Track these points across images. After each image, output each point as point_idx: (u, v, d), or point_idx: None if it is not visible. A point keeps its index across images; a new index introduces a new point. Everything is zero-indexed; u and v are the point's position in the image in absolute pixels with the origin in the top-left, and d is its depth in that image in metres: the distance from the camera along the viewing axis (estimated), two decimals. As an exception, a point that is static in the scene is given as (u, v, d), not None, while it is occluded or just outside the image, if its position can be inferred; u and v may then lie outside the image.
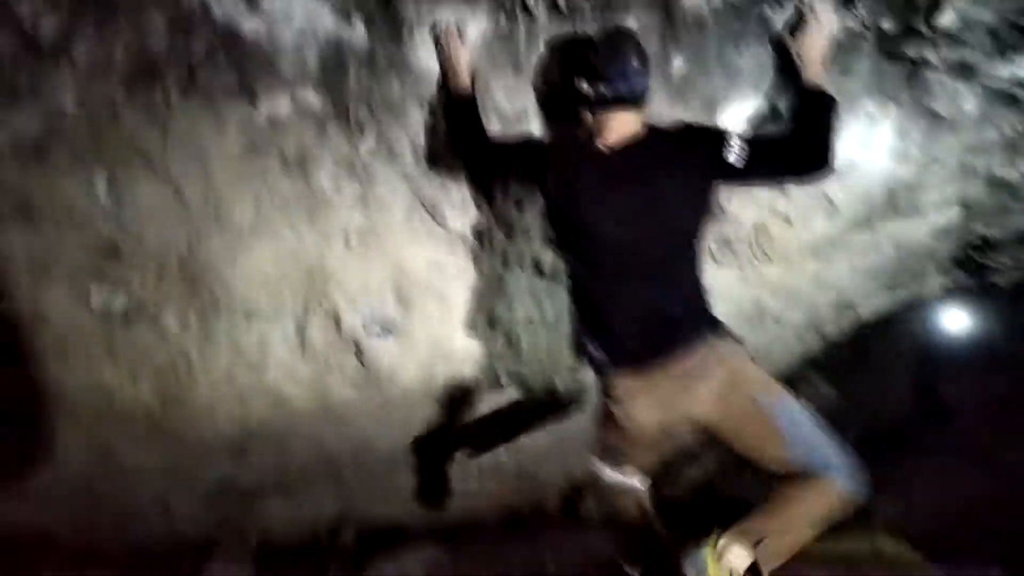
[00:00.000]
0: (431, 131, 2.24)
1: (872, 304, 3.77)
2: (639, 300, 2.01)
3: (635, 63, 1.84)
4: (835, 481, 1.94)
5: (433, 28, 1.99)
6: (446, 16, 1.98)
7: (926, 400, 6.58)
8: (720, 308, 3.16)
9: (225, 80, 2.08)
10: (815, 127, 1.86)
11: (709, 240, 2.48)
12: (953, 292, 3.87)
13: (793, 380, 5.71)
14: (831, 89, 1.88)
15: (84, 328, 2.82)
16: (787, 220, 2.32)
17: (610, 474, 2.34)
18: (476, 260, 2.81)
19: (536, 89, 2.10)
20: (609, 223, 1.95)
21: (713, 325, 2.08)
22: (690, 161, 1.89)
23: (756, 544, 1.89)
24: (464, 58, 2.01)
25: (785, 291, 3.10)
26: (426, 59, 2.07)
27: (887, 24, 1.90)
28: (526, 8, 1.93)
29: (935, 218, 2.55)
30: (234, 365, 3.05)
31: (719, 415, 2.06)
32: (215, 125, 2.21)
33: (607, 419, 2.24)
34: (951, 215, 2.59)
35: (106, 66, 1.96)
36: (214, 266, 2.60)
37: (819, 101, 1.86)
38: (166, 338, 2.91)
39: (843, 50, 1.96)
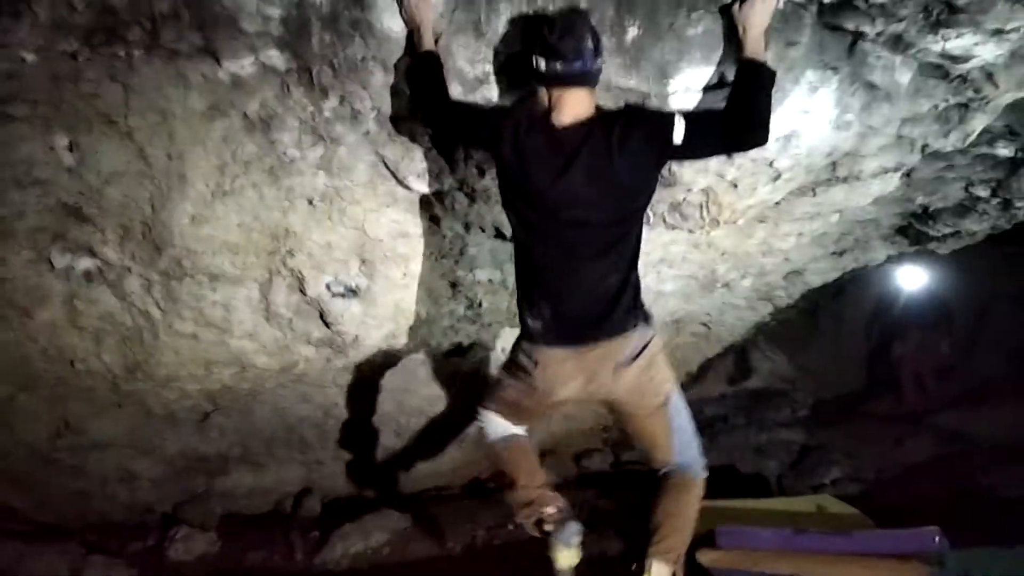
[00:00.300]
0: (394, 94, 2.28)
1: (820, 271, 3.92)
2: (584, 276, 2.11)
3: (589, 44, 1.93)
4: (698, 476, 2.37)
5: (396, -11, 2.02)
6: (410, -22, 2.01)
7: (877, 366, 6.82)
8: (673, 273, 3.30)
9: (188, 38, 2.08)
10: (751, 98, 1.98)
11: (661, 206, 2.58)
12: (898, 259, 4.05)
13: (745, 348, 5.90)
14: (768, 60, 1.98)
15: (46, 291, 2.82)
16: (734, 186, 2.43)
17: (499, 426, 2.47)
18: (438, 223, 2.86)
19: (495, 61, 2.16)
20: (559, 197, 2.05)
21: (646, 312, 2.23)
22: (637, 143, 1.99)
23: (676, 560, 2.27)
24: (427, 20, 2.05)
25: (735, 257, 3.22)
26: (389, 21, 2.09)
27: (827, -3, 2.01)
28: (487, -27, 1.98)
29: (876, 186, 2.68)
30: (198, 330, 3.06)
31: (632, 402, 2.28)
32: (178, 84, 2.22)
33: (515, 378, 2.34)
34: (891, 184, 2.72)
35: (68, 20, 1.96)
36: (178, 228, 2.60)
37: (756, 72, 1.96)
38: (130, 302, 2.91)
39: (787, 21, 2.04)
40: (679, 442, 2.35)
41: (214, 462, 4.29)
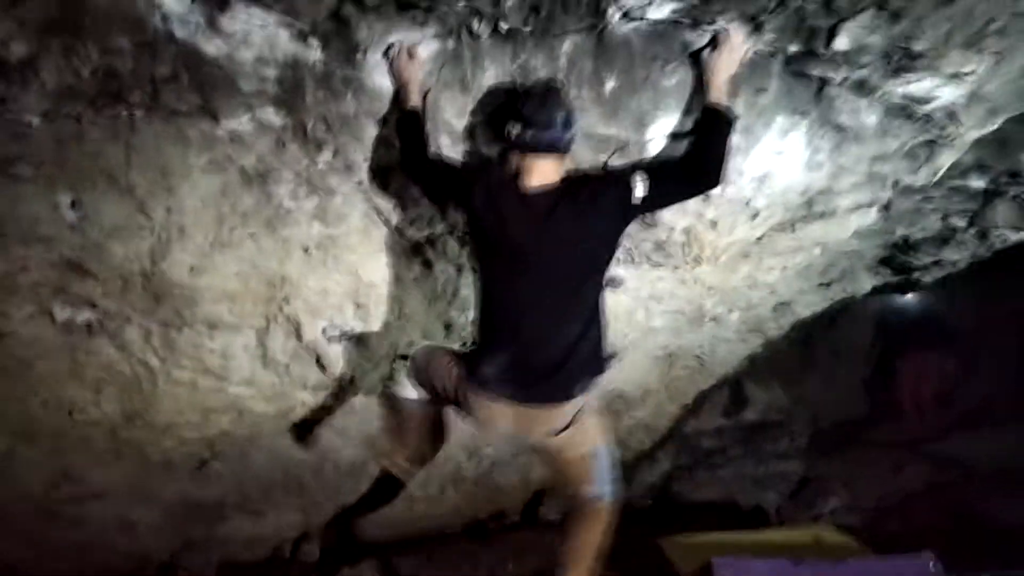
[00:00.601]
0: (385, 146, 2.37)
1: (808, 302, 3.99)
2: (544, 327, 2.20)
3: (560, 116, 2.05)
4: (610, 503, 2.53)
5: (387, 50, 2.13)
6: (398, 38, 2.10)
7: (875, 393, 6.81)
8: (662, 309, 3.37)
9: (188, 99, 2.18)
10: (709, 143, 2.11)
11: (645, 245, 2.67)
12: (886, 289, 4.13)
13: (740, 380, 5.94)
14: (730, 108, 2.09)
15: (48, 343, 2.86)
16: (713, 225, 2.52)
17: (415, 397, 2.66)
18: (431, 267, 2.93)
19: (480, 114, 2.26)
20: (527, 255, 2.14)
21: (596, 373, 2.32)
22: (603, 207, 2.10)
23: None
24: (415, 78, 2.15)
25: (721, 292, 3.29)
26: (379, 79, 2.19)
27: (793, 47, 2.11)
28: (471, 32, 2.08)
29: (854, 220, 2.78)
30: (197, 377, 3.11)
31: (557, 451, 2.46)
32: (178, 142, 2.30)
33: (453, 389, 2.44)
34: (869, 217, 2.82)
35: (73, 87, 2.05)
36: (177, 279, 2.67)
37: (716, 118, 2.08)
38: (129, 351, 2.96)
39: (755, 69, 2.16)
40: (596, 475, 2.50)
41: (212, 509, 4.29)
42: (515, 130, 2.07)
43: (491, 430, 2.42)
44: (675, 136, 2.25)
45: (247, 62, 2.11)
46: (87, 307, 2.78)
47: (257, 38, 2.06)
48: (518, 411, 2.30)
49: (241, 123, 2.28)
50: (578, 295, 2.20)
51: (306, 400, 3.39)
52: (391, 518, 4.70)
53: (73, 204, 2.41)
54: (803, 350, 6.68)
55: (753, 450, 5.90)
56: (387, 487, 2.85)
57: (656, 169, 2.17)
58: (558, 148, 2.10)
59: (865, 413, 6.84)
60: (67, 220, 2.43)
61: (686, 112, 2.19)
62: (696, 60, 2.11)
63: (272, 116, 2.28)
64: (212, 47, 2.05)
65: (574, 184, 2.14)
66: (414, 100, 2.17)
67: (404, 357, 2.68)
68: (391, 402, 2.78)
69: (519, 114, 2.05)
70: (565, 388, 2.27)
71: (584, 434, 2.44)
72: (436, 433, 2.79)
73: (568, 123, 2.07)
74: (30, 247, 2.47)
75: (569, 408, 2.32)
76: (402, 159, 2.31)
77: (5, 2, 1.82)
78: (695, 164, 2.13)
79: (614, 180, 2.14)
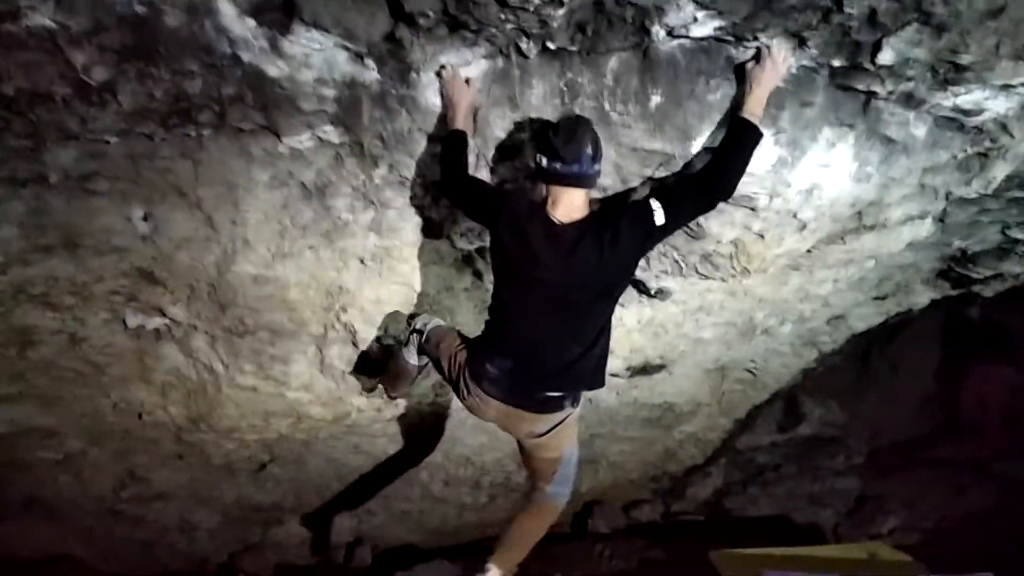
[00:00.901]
0: (438, 162, 2.46)
1: (863, 315, 3.93)
2: (552, 340, 2.29)
3: (588, 150, 2.09)
4: (560, 504, 2.73)
5: (438, 71, 2.21)
6: (450, 59, 2.18)
7: (937, 410, 6.58)
8: (711, 320, 3.37)
9: (252, 118, 2.30)
10: (731, 154, 2.13)
11: (692, 257, 2.69)
12: (947, 302, 4.02)
13: (794, 395, 5.83)
14: (759, 122, 2.10)
15: (120, 348, 3.03)
16: (761, 237, 2.52)
17: (415, 363, 2.90)
18: (481, 277, 3.00)
19: (529, 130, 2.33)
20: (548, 280, 2.20)
21: (592, 388, 2.46)
22: (627, 238, 2.14)
23: (511, 570, 2.75)
24: (463, 100, 2.23)
25: (772, 304, 3.28)
26: (432, 97, 2.28)
27: (837, 61, 2.11)
28: (520, 51, 2.15)
29: (907, 232, 2.74)
30: (258, 382, 3.23)
31: (533, 448, 2.61)
32: (242, 158, 2.43)
33: (454, 361, 2.56)
34: (923, 230, 2.77)
35: (147, 108, 2.18)
36: (241, 288, 2.80)
37: (746, 132, 2.11)
38: (195, 357, 3.11)
39: (800, 83, 2.17)
40: (559, 477, 2.66)
41: (269, 512, 4.43)
42: (544, 162, 2.12)
43: (476, 415, 2.56)
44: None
45: (307, 82, 2.21)
46: (157, 314, 2.93)
47: (317, 60, 2.16)
48: (509, 411, 2.42)
49: (302, 140, 2.39)
50: (589, 318, 2.30)
51: (361, 406, 3.49)
52: (441, 526, 4.78)
53: (145, 217, 2.56)
54: (861, 364, 6.53)
55: (808, 466, 5.78)
56: None
57: (673, 190, 2.22)
58: (585, 182, 2.16)
59: (926, 430, 6.63)
60: (139, 232, 2.58)
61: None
62: (739, 73, 2.13)
63: (331, 133, 2.39)
64: (275, 69, 2.16)
65: (599, 219, 2.19)
66: (458, 121, 2.25)
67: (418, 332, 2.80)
68: (396, 359, 2.95)
69: (548, 146, 2.10)
70: (558, 400, 2.40)
71: (560, 440, 2.56)
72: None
73: (596, 157, 2.12)
74: (105, 257, 2.63)
75: (556, 416, 2.45)
76: (441, 177, 2.39)
77: (88, 31, 1.96)
78: (713, 175, 2.16)
79: (635, 210, 2.18)
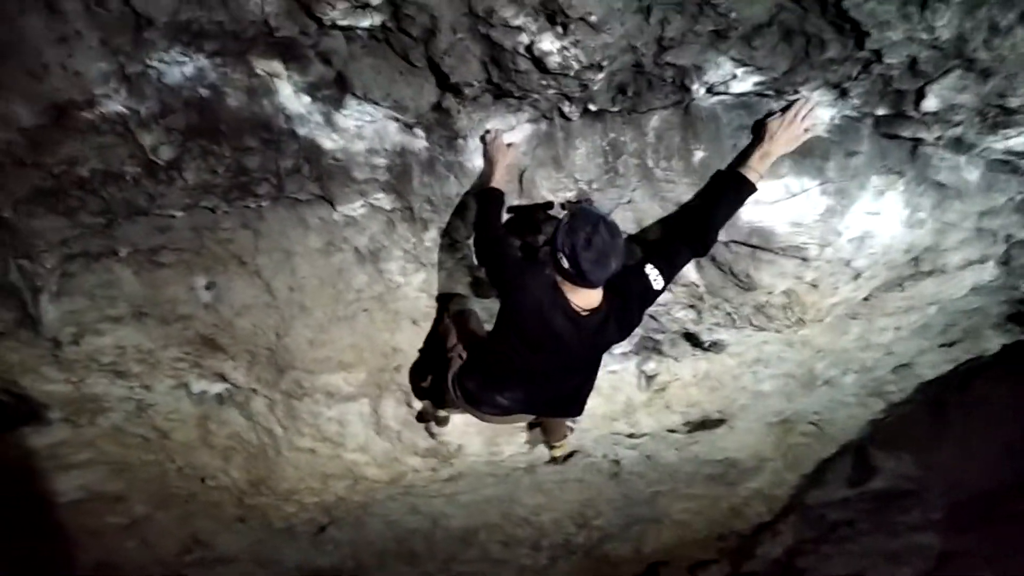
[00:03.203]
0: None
1: (930, 363, 3.78)
2: (538, 390, 2.40)
3: (613, 267, 2.00)
4: None
5: (483, 136, 2.28)
6: (495, 124, 2.25)
7: (1021, 462, 6.23)
8: (770, 373, 3.29)
9: (308, 188, 2.40)
10: (718, 208, 2.14)
11: (745, 308, 2.66)
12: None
13: (864, 447, 5.60)
14: (759, 178, 2.09)
15: (184, 414, 3.13)
16: (814, 286, 2.47)
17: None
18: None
19: (574, 188, 2.36)
20: (559, 348, 2.19)
21: (571, 416, 2.62)
22: (632, 309, 2.17)
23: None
24: (502, 162, 2.27)
25: (832, 353, 3.19)
26: (479, 161, 2.34)
27: (881, 110, 2.10)
28: (563, 114, 2.20)
29: (969, 277, 2.65)
30: (316, 445, 3.28)
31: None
32: (299, 227, 2.53)
33: (459, 355, 2.59)
34: (986, 273, 2.68)
35: (209, 182, 2.30)
36: (298, 351, 2.87)
37: (740, 188, 2.10)
38: (255, 421, 3.18)
39: (845, 133, 2.15)
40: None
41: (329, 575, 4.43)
42: (566, 264, 2.00)
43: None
44: (768, 203, 2.25)
45: (360, 153, 2.31)
46: (219, 379, 3.02)
47: (368, 131, 2.26)
48: (511, 417, 2.55)
49: (355, 208, 2.48)
50: (587, 370, 2.41)
51: (416, 466, 3.50)
52: (501, 587, 4.69)
53: (208, 286, 2.67)
54: (933, 414, 6.25)
55: (883, 522, 5.52)
56: None
57: (666, 251, 2.19)
58: (602, 285, 2.10)
59: (1009, 481, 6.27)
60: (202, 300, 2.69)
61: (777, 177, 2.20)
62: (759, 122, 2.14)
63: (382, 200, 2.47)
64: (329, 141, 2.27)
65: (613, 298, 2.15)
66: (497, 180, 2.27)
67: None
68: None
69: (575, 257, 1.97)
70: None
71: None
72: None
73: (618, 266, 2.03)
74: (170, 326, 2.74)
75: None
76: (474, 231, 2.36)
77: (156, 114, 2.09)
78: (703, 231, 2.16)
79: (635, 280, 2.15)
